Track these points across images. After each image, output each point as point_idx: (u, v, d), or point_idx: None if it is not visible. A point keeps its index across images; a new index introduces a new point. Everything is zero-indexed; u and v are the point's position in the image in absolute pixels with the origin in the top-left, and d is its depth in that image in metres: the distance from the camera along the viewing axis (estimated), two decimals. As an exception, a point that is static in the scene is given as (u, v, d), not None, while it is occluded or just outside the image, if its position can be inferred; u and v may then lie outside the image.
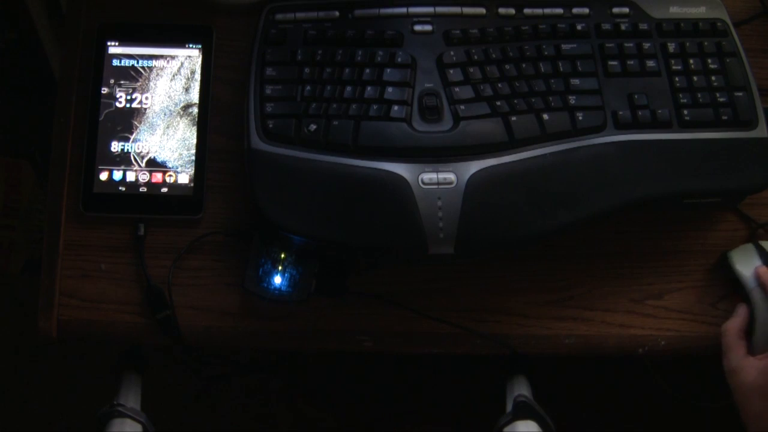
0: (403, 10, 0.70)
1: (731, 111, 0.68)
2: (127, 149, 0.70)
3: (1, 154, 1.33)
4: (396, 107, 0.66)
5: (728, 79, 0.69)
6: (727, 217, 0.72)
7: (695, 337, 0.69)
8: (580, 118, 0.66)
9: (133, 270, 0.69)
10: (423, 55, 0.68)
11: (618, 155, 0.66)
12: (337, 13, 0.70)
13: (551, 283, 0.70)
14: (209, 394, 1.30)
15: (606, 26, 0.70)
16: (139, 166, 0.70)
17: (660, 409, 1.28)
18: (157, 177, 0.70)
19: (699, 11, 0.71)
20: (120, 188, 0.70)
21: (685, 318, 0.70)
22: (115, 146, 0.70)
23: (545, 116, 0.66)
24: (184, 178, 0.70)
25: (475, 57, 0.68)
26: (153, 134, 0.71)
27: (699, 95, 0.68)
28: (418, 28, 0.69)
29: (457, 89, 0.67)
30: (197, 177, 0.70)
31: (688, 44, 0.69)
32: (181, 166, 0.70)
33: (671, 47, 0.69)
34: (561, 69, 0.68)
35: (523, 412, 0.69)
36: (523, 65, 0.68)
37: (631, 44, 0.69)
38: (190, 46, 0.73)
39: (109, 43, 0.72)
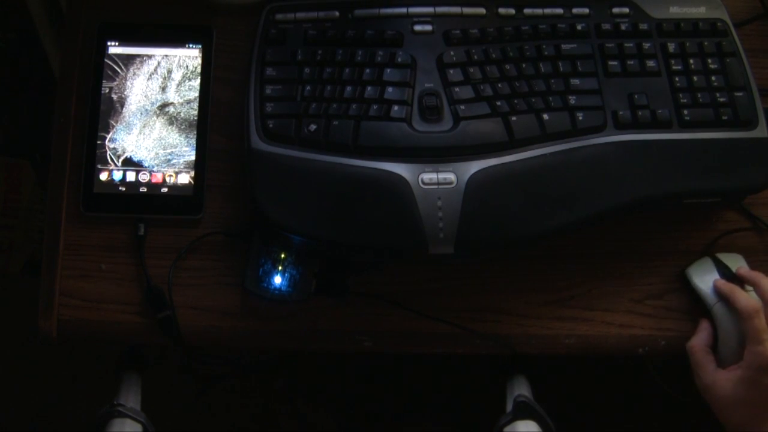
0: (403, 10, 0.70)
1: (731, 111, 0.68)
2: (103, 148, 0.70)
3: (1, 154, 1.33)
4: (396, 107, 0.66)
5: (728, 79, 0.69)
6: (727, 216, 0.72)
7: (695, 337, 0.69)
8: (580, 118, 0.66)
9: (133, 270, 0.69)
10: (423, 55, 0.68)
11: (618, 155, 0.66)
12: (337, 13, 0.70)
13: (551, 283, 0.70)
14: (209, 394, 1.30)
15: (606, 26, 0.70)
16: (115, 165, 0.69)
17: (660, 409, 1.28)
18: (157, 177, 0.70)
19: (699, 11, 0.71)
20: (120, 188, 0.70)
21: (685, 318, 0.70)
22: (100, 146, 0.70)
23: (545, 116, 0.66)
24: (184, 178, 0.70)
25: (475, 57, 0.68)
26: (129, 134, 0.70)
27: (699, 95, 0.68)
28: (418, 28, 0.69)
29: (457, 89, 0.67)
30: (197, 177, 0.70)
31: (688, 44, 0.69)
32: (181, 166, 0.70)
33: (671, 47, 0.69)
34: (561, 69, 0.68)
35: (523, 412, 0.69)
36: (523, 65, 0.68)
37: (631, 44, 0.69)
38: (190, 46, 0.73)
39: (109, 43, 0.72)
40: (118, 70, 0.71)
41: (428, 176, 0.63)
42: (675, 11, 0.71)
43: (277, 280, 0.66)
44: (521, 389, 0.73)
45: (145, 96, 0.71)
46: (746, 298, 0.64)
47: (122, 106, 0.71)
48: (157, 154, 0.70)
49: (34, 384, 1.31)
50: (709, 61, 0.69)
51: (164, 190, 0.70)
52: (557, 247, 0.70)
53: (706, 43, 0.69)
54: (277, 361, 1.33)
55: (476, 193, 0.63)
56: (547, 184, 0.64)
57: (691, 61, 0.69)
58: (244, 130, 0.66)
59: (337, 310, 0.69)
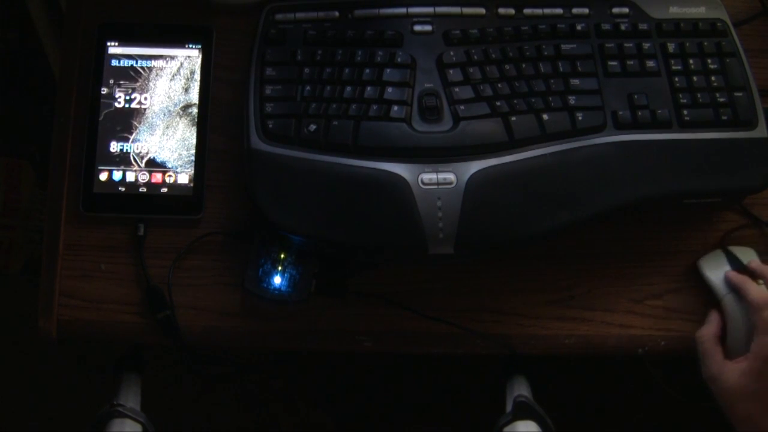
0: (403, 10, 0.70)
1: (731, 111, 0.68)
2: (127, 149, 0.70)
3: (1, 154, 1.33)
4: (396, 107, 0.66)
5: (728, 79, 0.69)
6: (727, 217, 0.72)
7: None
8: (580, 118, 0.66)
9: (133, 270, 0.69)
10: (423, 55, 0.68)
11: (618, 155, 0.66)
12: (337, 13, 0.70)
13: (551, 283, 0.70)
14: (209, 394, 1.30)
15: (606, 26, 0.70)
16: (139, 166, 0.70)
17: (660, 409, 1.28)
18: (157, 177, 0.70)
19: (699, 11, 0.71)
20: (120, 188, 0.70)
21: (685, 318, 0.70)
22: (115, 146, 0.70)
23: (545, 116, 0.66)
24: (184, 178, 0.70)
25: (475, 57, 0.68)
26: (152, 134, 0.71)
27: (699, 95, 0.68)
28: (417, 28, 0.69)
29: (456, 89, 0.67)
30: (197, 177, 0.70)
31: (687, 44, 0.69)
32: (181, 166, 0.70)
33: (671, 47, 0.69)
34: (561, 69, 0.68)
35: (523, 412, 0.69)
36: (523, 65, 0.68)
37: (630, 44, 0.69)
38: (190, 46, 0.73)
39: (109, 43, 0.72)
40: (141, 71, 0.72)
41: (428, 176, 0.63)
42: (675, 11, 0.71)
43: (277, 280, 0.66)
44: (521, 389, 0.73)
45: (168, 97, 0.71)
46: (757, 290, 0.64)
47: (145, 107, 0.71)
48: (180, 154, 0.70)
49: (34, 384, 1.31)
50: (709, 61, 0.69)
51: (164, 190, 0.70)
52: (557, 247, 0.70)
53: (705, 43, 0.69)
54: (277, 361, 1.33)
55: (476, 193, 0.63)
56: (546, 184, 0.64)
57: (691, 61, 0.69)
58: (244, 130, 0.66)
59: (337, 310, 0.69)
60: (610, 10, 0.71)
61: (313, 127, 0.65)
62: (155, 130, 0.71)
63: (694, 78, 0.68)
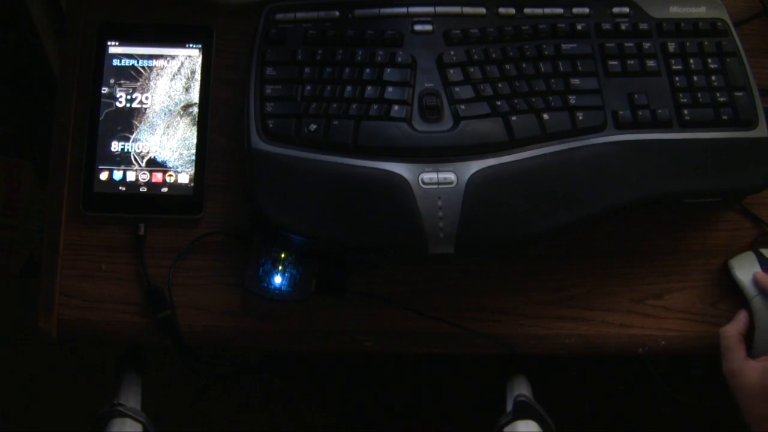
0: (403, 9, 0.70)
1: (731, 111, 0.68)
2: (128, 149, 0.70)
3: (1, 154, 1.33)
4: (396, 107, 0.66)
5: (728, 78, 0.69)
6: (727, 216, 0.72)
7: (695, 337, 0.69)
8: (580, 117, 0.66)
9: (133, 270, 0.69)
10: (423, 54, 0.68)
11: (618, 155, 0.66)
12: (337, 13, 0.70)
13: (551, 283, 0.70)
14: (209, 394, 1.30)
15: (606, 26, 0.70)
16: (140, 165, 0.70)
17: (660, 409, 1.28)
18: (157, 177, 0.70)
19: (699, 11, 0.71)
20: (120, 188, 0.70)
21: (685, 318, 0.70)
22: (115, 146, 0.70)
23: (545, 116, 0.66)
24: (184, 178, 0.70)
25: (475, 57, 0.68)
26: (153, 134, 0.71)
27: (699, 95, 0.68)
28: (418, 27, 0.69)
29: (457, 89, 0.67)
30: (197, 177, 0.70)
31: (688, 44, 0.69)
32: (181, 165, 0.70)
33: (671, 47, 0.69)
34: (561, 69, 0.68)
35: (523, 412, 0.70)
36: (524, 65, 0.68)
37: (631, 44, 0.69)
38: (190, 46, 0.73)
39: (109, 43, 0.72)
40: (141, 71, 0.72)
41: (428, 176, 0.63)
42: (675, 11, 0.71)
43: (277, 280, 0.66)
44: (521, 389, 0.73)
45: (169, 97, 0.71)
46: None
47: (146, 106, 0.71)
48: (181, 154, 0.70)
49: (34, 384, 1.31)
50: (709, 60, 0.69)
51: (164, 189, 0.70)
52: (557, 247, 0.70)
53: (706, 43, 0.69)
54: (276, 361, 1.33)
55: (476, 193, 0.63)
56: (547, 183, 0.64)
57: (691, 60, 0.69)
58: (244, 129, 0.66)
59: (337, 310, 0.69)
60: (610, 10, 0.71)
61: (313, 126, 0.65)
62: (156, 129, 0.71)
63: (695, 78, 0.68)
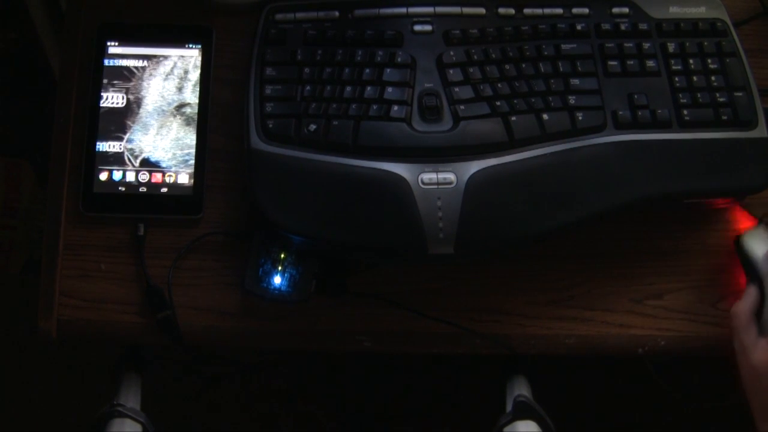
0: (403, 10, 0.70)
1: (731, 111, 0.68)
2: (120, 149, 0.70)
3: (1, 154, 1.33)
4: (396, 107, 0.66)
5: (728, 79, 0.69)
6: (727, 217, 0.72)
7: (695, 337, 0.69)
8: (580, 118, 0.66)
9: (133, 270, 0.69)
10: (423, 55, 0.68)
11: (618, 155, 0.66)
12: (337, 13, 0.70)
13: (551, 283, 0.70)
14: (209, 394, 1.30)
15: (606, 26, 0.70)
16: (133, 165, 0.70)
17: (660, 409, 1.28)
18: (157, 177, 0.70)
19: (699, 11, 0.71)
20: (120, 188, 0.70)
21: (685, 318, 0.70)
22: (110, 146, 0.70)
23: (545, 116, 0.66)
24: (184, 178, 0.70)
25: (475, 57, 0.68)
26: (146, 134, 0.71)
27: (699, 95, 0.68)
28: (418, 28, 0.69)
29: (457, 89, 0.67)
30: (197, 177, 0.70)
31: (687, 44, 0.69)
32: (175, 165, 0.70)
33: (671, 47, 0.69)
34: (561, 69, 0.68)
35: (523, 412, 0.70)
36: (523, 65, 0.68)
37: (630, 44, 0.69)
38: (190, 46, 0.73)
39: (109, 43, 0.72)
40: (134, 71, 0.72)
41: (428, 176, 0.63)
42: (675, 11, 0.71)
43: (277, 280, 0.66)
44: (521, 389, 0.73)
45: (162, 96, 0.71)
46: None
47: (139, 106, 0.71)
48: (174, 154, 0.70)
49: (34, 384, 1.31)
50: (709, 61, 0.69)
51: (164, 190, 0.70)
52: (557, 247, 0.70)
53: (705, 43, 0.69)
54: (277, 361, 1.33)
55: (476, 193, 0.63)
56: (546, 184, 0.64)
57: (691, 61, 0.69)
58: (244, 130, 0.66)
59: (337, 310, 0.69)
60: (610, 10, 0.71)
61: (313, 127, 0.65)
62: (149, 129, 0.71)
63: (694, 78, 0.68)
